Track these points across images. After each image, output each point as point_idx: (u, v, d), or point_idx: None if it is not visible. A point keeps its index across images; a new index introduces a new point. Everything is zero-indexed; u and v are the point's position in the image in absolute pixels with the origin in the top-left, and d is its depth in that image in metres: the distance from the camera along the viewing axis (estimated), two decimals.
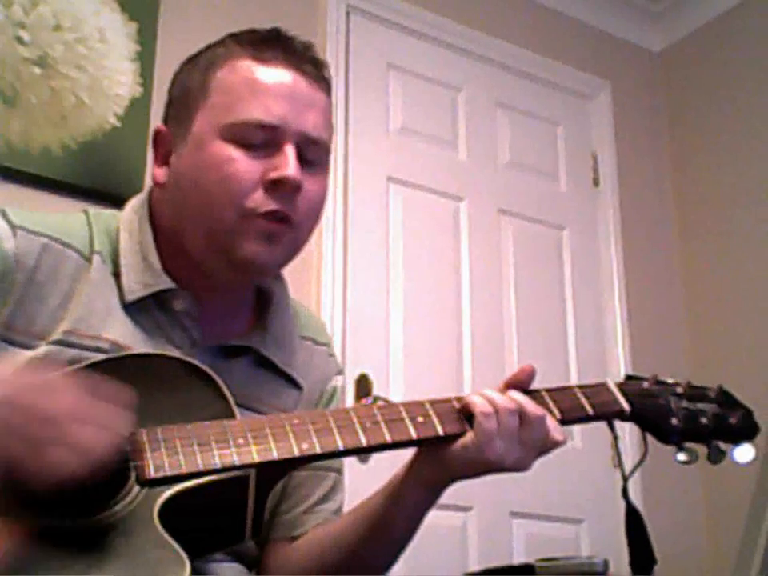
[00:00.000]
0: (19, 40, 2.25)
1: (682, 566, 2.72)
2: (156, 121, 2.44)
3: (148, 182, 2.41)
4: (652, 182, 3.49)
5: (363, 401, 2.60)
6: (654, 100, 3.59)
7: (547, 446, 1.06)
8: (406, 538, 1.12)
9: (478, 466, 1.04)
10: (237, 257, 1.09)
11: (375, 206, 2.87)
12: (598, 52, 3.49)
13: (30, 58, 2.26)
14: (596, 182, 3.36)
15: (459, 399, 1.07)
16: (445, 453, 1.05)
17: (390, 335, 2.78)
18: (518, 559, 2.42)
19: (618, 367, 3.16)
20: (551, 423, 1.06)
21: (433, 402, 1.06)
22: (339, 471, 1.25)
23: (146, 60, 2.47)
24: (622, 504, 1.15)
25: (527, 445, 1.04)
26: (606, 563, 1.53)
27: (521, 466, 1.05)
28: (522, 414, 1.04)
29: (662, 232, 3.44)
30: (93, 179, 2.35)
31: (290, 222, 1.10)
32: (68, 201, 2.30)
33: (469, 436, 1.03)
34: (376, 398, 2.62)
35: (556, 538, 2.71)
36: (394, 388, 2.70)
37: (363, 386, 2.64)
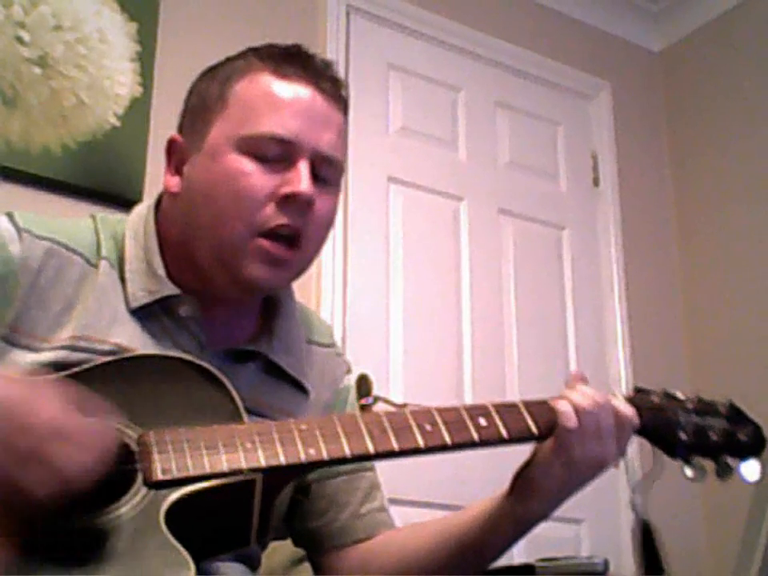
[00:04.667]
0: (19, 40, 2.25)
1: (681, 567, 2.72)
2: (156, 121, 2.46)
3: (148, 183, 2.43)
4: (652, 182, 3.49)
5: (363, 401, 2.60)
6: (653, 100, 3.59)
7: (623, 430, 1.07)
8: (499, 556, 1.14)
9: (571, 483, 1.06)
10: (241, 277, 1.09)
11: (375, 206, 2.87)
12: (598, 52, 3.49)
13: (30, 58, 2.26)
14: (596, 182, 3.36)
15: (470, 408, 1.07)
16: (537, 483, 1.06)
17: (390, 335, 2.78)
18: (518, 559, 2.41)
19: (618, 367, 3.16)
20: (618, 404, 1.08)
21: (441, 410, 1.06)
22: (372, 470, 1.26)
23: (146, 60, 2.47)
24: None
25: (603, 436, 1.05)
26: (605, 563, 1.54)
27: (614, 458, 1.06)
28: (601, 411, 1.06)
29: (662, 232, 3.44)
30: (93, 179, 2.35)
31: (298, 242, 1.10)
32: (68, 201, 2.30)
33: (553, 460, 1.05)
34: (376, 398, 2.62)
35: (556, 538, 2.71)
36: (393, 388, 2.70)
37: (363, 386, 2.64)
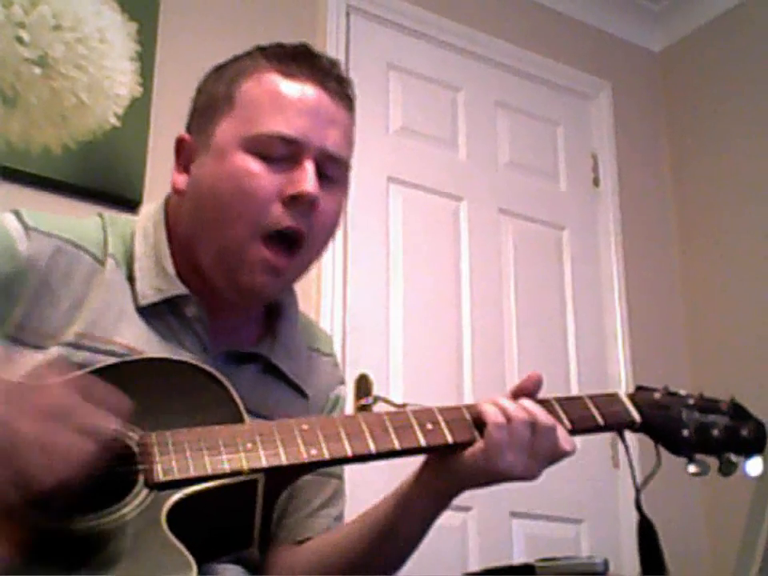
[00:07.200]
0: (19, 40, 2.25)
1: (681, 567, 2.72)
2: (156, 121, 2.46)
3: (148, 183, 2.43)
4: (652, 182, 3.49)
5: (363, 401, 2.60)
6: (653, 100, 3.59)
7: (556, 455, 1.06)
8: (413, 545, 1.12)
9: (487, 476, 1.04)
10: (241, 283, 1.10)
11: (375, 206, 2.86)
12: (598, 52, 3.49)
13: (30, 58, 2.26)
14: (596, 182, 3.36)
15: (469, 407, 1.07)
16: (454, 462, 1.04)
17: (390, 335, 2.78)
18: (518, 559, 2.41)
19: (618, 367, 3.16)
20: (561, 433, 1.06)
21: (442, 410, 1.06)
22: (340, 478, 1.25)
23: (146, 60, 2.48)
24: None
25: (537, 455, 1.04)
26: (605, 563, 1.53)
27: (529, 476, 1.05)
28: (534, 424, 1.03)
29: (661, 232, 3.44)
30: (93, 179, 2.35)
31: (300, 245, 1.10)
32: (68, 201, 2.30)
33: (478, 446, 1.03)
34: (376, 398, 2.62)
35: (556, 538, 2.70)
36: (393, 388, 2.70)
37: (363, 386, 2.64)
